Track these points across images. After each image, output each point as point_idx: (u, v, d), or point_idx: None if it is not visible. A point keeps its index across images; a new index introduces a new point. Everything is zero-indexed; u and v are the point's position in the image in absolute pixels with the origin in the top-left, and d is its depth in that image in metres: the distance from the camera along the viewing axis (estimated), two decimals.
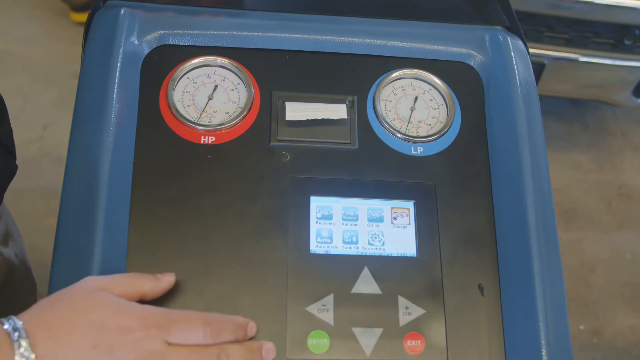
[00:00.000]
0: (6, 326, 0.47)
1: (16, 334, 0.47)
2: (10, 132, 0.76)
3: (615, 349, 1.73)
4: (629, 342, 1.75)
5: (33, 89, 2.00)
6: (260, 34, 0.71)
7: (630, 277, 1.87)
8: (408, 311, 0.62)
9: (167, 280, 0.57)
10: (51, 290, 0.58)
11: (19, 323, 0.48)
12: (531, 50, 0.78)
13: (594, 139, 2.15)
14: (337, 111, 0.68)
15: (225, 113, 0.68)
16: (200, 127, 0.66)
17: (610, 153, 2.13)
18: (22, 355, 0.46)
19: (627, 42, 1.77)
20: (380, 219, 0.65)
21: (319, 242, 0.63)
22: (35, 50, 2.11)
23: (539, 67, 1.78)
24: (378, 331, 0.61)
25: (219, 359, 0.51)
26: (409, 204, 0.66)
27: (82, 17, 2.14)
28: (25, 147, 1.81)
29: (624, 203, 2.02)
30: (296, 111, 0.68)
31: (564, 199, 1.99)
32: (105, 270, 0.58)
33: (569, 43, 1.77)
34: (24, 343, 0.46)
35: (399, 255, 0.64)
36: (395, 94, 0.71)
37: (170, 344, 0.50)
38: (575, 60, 1.80)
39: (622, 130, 2.19)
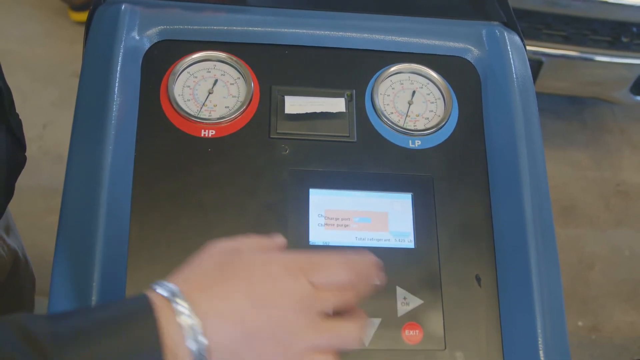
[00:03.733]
0: (160, 290, 0.45)
1: (174, 296, 0.45)
2: (20, 123, 0.76)
3: (613, 346, 1.73)
4: (627, 338, 1.76)
5: (33, 88, 2.00)
6: (259, 29, 0.72)
7: (629, 274, 1.87)
8: (406, 301, 0.62)
9: (280, 239, 0.55)
10: (53, 286, 0.58)
11: (174, 286, 0.45)
12: (529, 48, 0.78)
13: (592, 137, 2.16)
14: (336, 105, 0.69)
15: (225, 107, 0.68)
16: (200, 121, 0.66)
17: (608, 150, 2.13)
18: (185, 316, 0.44)
19: (625, 40, 1.77)
20: (378, 211, 0.66)
21: (317, 234, 0.64)
22: (35, 50, 2.12)
23: (536, 65, 1.78)
24: (376, 321, 0.61)
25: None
26: (407, 197, 0.66)
27: (82, 16, 2.14)
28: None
29: (622, 200, 2.02)
30: (295, 105, 0.69)
31: (562, 196, 1.99)
32: (107, 265, 0.58)
33: (567, 41, 1.77)
34: (184, 304, 0.44)
35: (397, 246, 0.64)
36: (393, 88, 0.72)
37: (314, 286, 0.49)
38: (573, 58, 1.80)
39: (620, 127, 2.20)
